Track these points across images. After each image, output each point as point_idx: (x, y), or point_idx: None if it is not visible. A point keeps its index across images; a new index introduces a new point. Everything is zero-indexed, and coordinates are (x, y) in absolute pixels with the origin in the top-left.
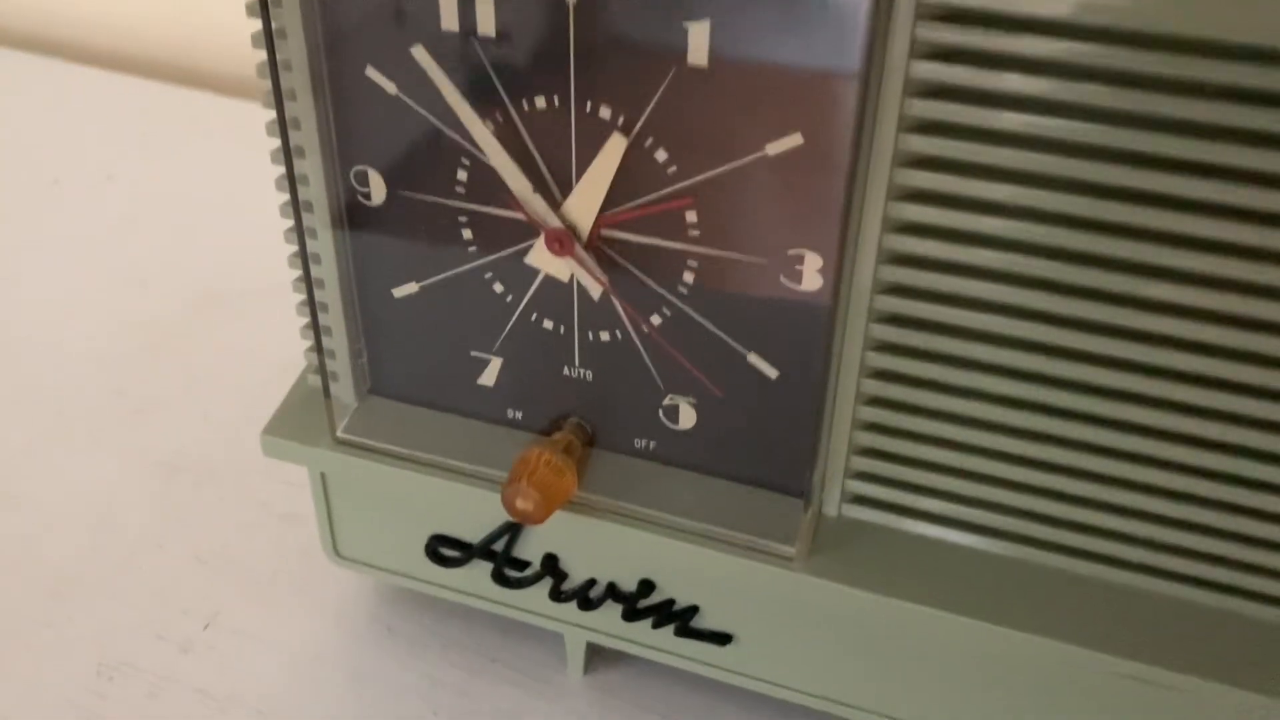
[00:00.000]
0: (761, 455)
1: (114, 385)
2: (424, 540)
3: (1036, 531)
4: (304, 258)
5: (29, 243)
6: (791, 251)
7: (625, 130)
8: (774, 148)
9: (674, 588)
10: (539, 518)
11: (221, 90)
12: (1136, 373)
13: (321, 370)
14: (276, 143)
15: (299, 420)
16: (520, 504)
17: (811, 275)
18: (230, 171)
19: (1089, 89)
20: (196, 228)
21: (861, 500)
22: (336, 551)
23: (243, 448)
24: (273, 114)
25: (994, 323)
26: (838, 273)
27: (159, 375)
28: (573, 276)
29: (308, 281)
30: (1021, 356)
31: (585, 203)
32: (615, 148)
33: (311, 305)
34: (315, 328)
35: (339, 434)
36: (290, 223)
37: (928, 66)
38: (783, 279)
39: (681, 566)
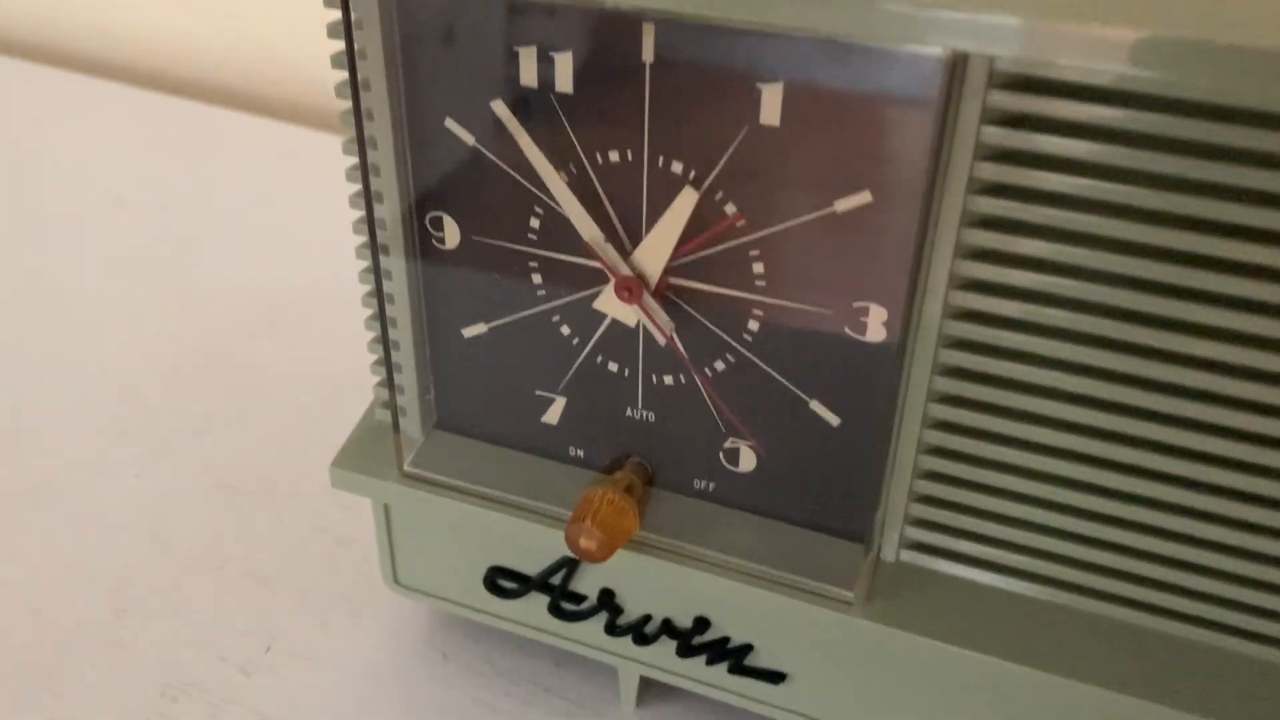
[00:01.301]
0: (820, 500)
1: (174, 403)
2: (482, 571)
3: (1095, 583)
4: (379, 297)
5: (91, 261)
6: (857, 304)
7: (696, 184)
8: (843, 205)
9: (729, 625)
10: (601, 556)
11: (279, 116)
12: (1198, 430)
13: (392, 406)
14: (346, 166)
15: (366, 453)
16: (584, 543)
17: (876, 327)
18: (288, 196)
19: (1153, 157)
20: (253, 250)
21: (919, 546)
22: (396, 580)
23: (299, 468)
24: (353, 159)
25: (1056, 378)
26: (903, 326)
27: (217, 394)
28: (639, 322)
29: (382, 320)
30: (1083, 411)
31: (655, 252)
32: (686, 202)
33: (385, 343)
34: (387, 365)
35: (406, 468)
36: (365, 263)
37: (998, 132)
38: (847, 330)
39: (738, 606)
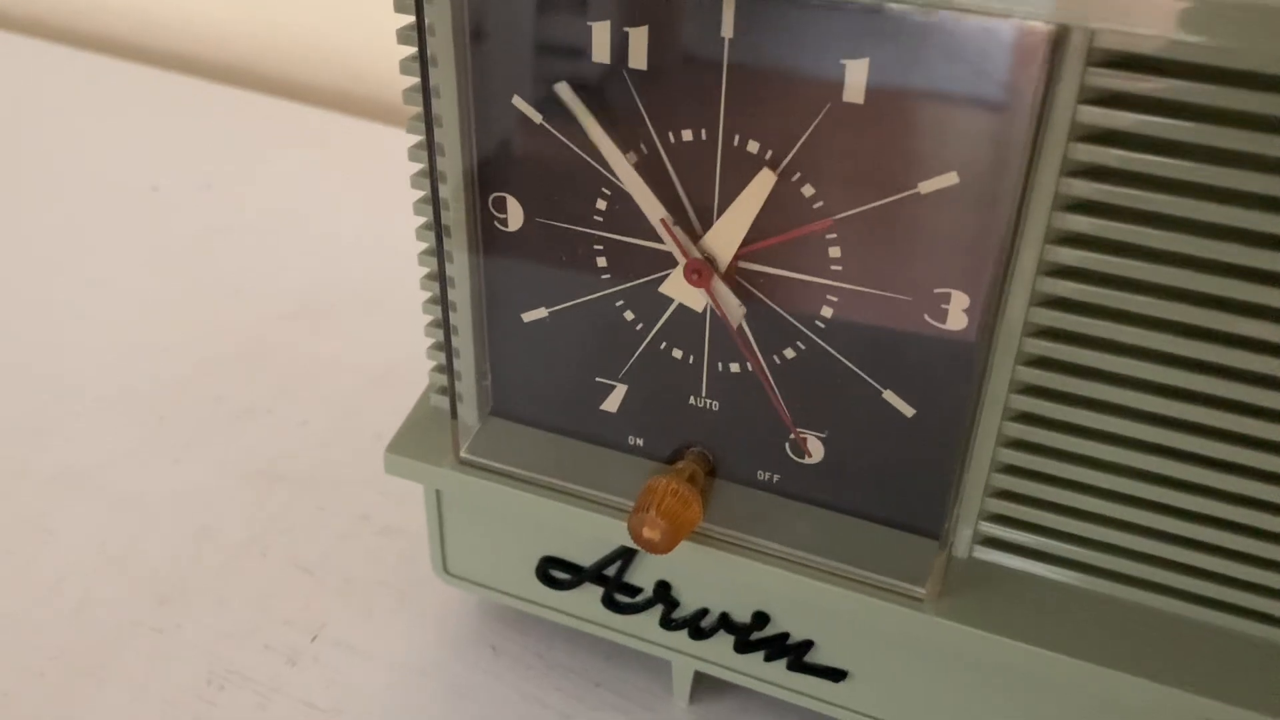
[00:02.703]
0: (890, 493)
1: (213, 392)
2: (534, 562)
3: (1174, 581)
4: (441, 281)
5: (129, 248)
6: (938, 290)
7: (773, 164)
8: (927, 186)
9: (789, 621)
10: (665, 547)
11: (320, 103)
12: None
13: (450, 391)
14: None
15: (421, 439)
16: (648, 533)
17: (957, 315)
18: (324, 183)
19: (1257, 138)
20: (290, 238)
21: (994, 542)
22: (446, 569)
23: (341, 457)
24: (418, 137)
25: (1145, 369)
26: (987, 313)
27: (255, 383)
28: (706, 306)
29: (444, 304)
30: (1170, 404)
31: (727, 235)
32: (764, 183)
33: (445, 328)
34: (447, 350)
35: (463, 454)
36: (425, 245)
37: (1096, 111)
38: (926, 317)
39: (800, 601)
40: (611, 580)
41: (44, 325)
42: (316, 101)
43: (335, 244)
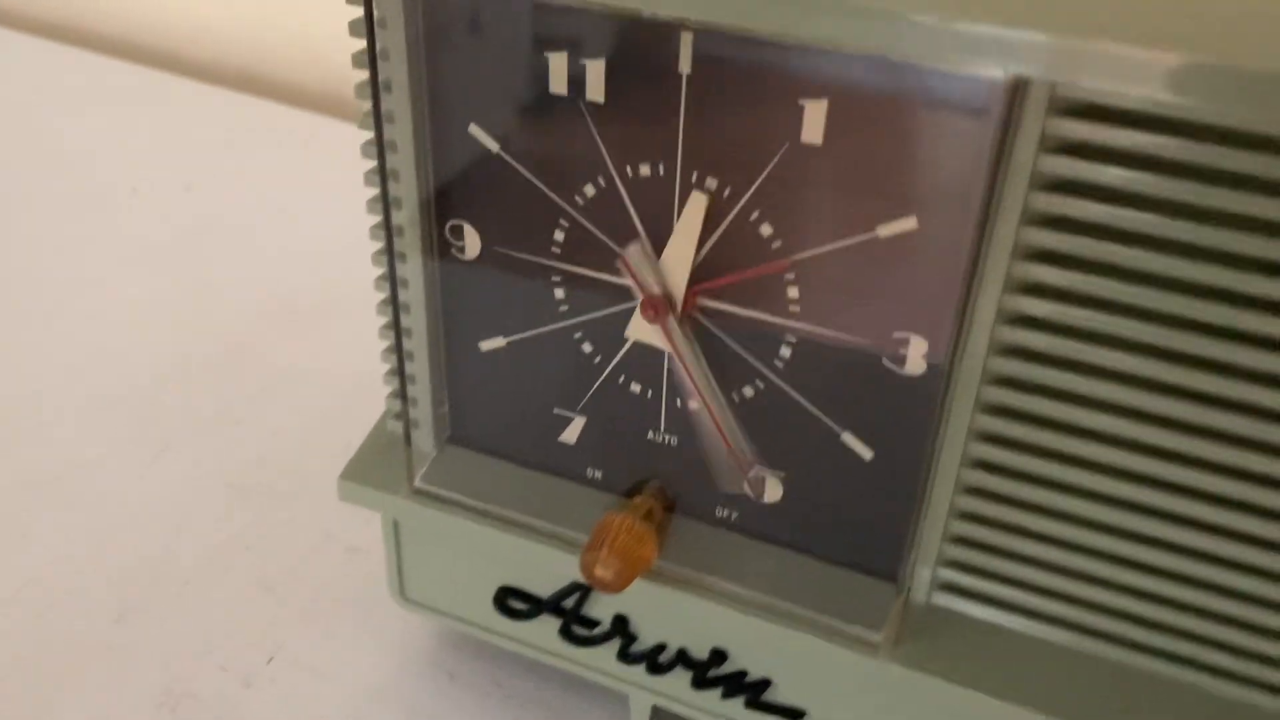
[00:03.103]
0: (849, 535)
1: (186, 397)
2: (493, 590)
3: (1131, 633)
4: (394, 306)
5: (107, 250)
6: (897, 334)
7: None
8: (885, 230)
9: (747, 659)
10: (618, 586)
11: (300, 104)
12: (1250, 481)
13: (404, 419)
14: (366, 164)
15: (376, 466)
16: (599, 572)
17: (916, 359)
18: (305, 186)
19: (1221, 194)
20: (270, 241)
21: (952, 588)
22: (403, 594)
23: (312, 470)
24: (371, 162)
25: (1105, 421)
26: (946, 359)
27: (230, 388)
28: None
29: (396, 330)
30: (1130, 457)
31: (676, 265)
32: (697, 206)
33: (399, 353)
34: (400, 376)
35: (417, 484)
36: (381, 269)
37: (1057, 160)
38: (885, 361)
39: (758, 641)
40: (569, 612)
41: (21, 326)
42: (301, 103)
43: (315, 249)
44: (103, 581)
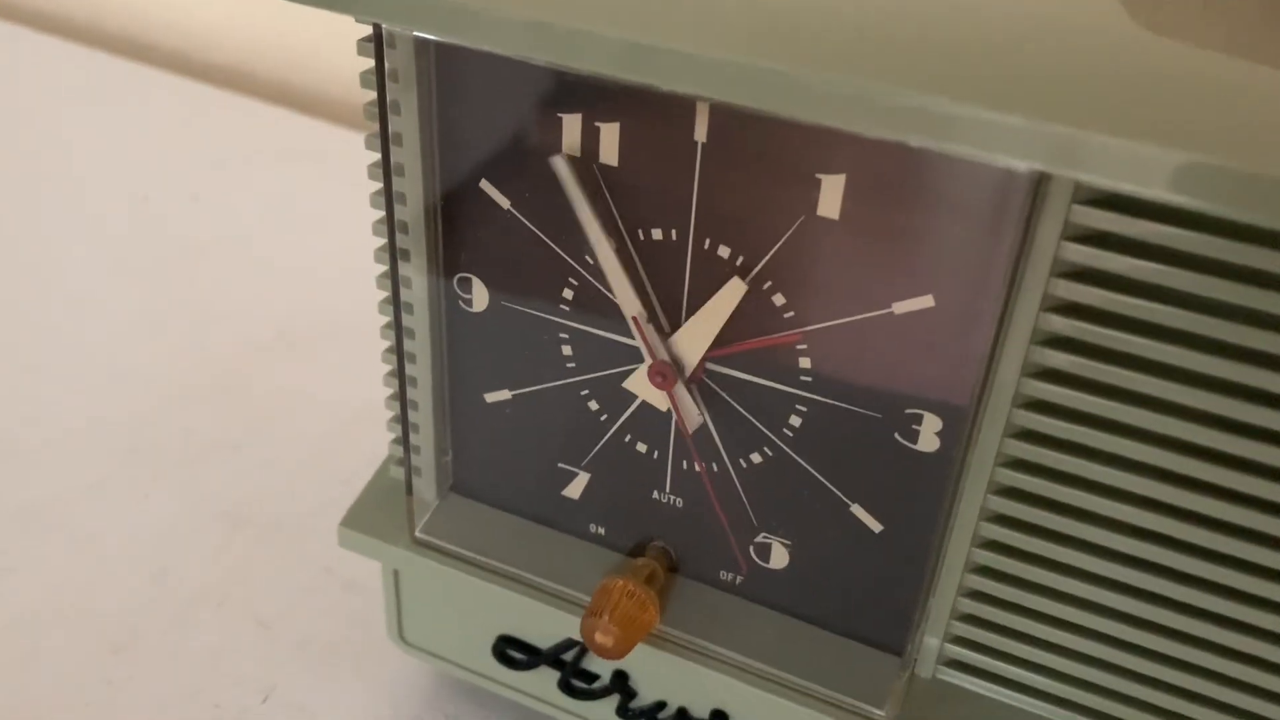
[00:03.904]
0: (855, 607)
1: (183, 423)
2: (492, 639)
3: (1138, 719)
4: (399, 354)
5: (113, 265)
6: (909, 410)
7: (744, 272)
8: (901, 307)
9: None
10: (618, 653)
11: (318, 114)
12: (1257, 575)
13: (406, 468)
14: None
15: (377, 513)
16: (600, 638)
17: (929, 437)
18: (317, 201)
19: (1246, 291)
20: (277, 260)
21: (958, 665)
22: (401, 637)
23: (310, 502)
24: (380, 213)
25: (1119, 510)
26: (959, 440)
27: (228, 416)
28: (669, 406)
29: (400, 378)
30: (1143, 546)
31: (694, 340)
32: (734, 292)
33: (402, 402)
34: (404, 424)
35: (418, 534)
36: (388, 318)
37: (1080, 249)
38: (897, 436)
39: (759, 708)
40: (568, 665)
41: (15, 346)
42: (321, 113)
43: (321, 269)
44: (96, 615)
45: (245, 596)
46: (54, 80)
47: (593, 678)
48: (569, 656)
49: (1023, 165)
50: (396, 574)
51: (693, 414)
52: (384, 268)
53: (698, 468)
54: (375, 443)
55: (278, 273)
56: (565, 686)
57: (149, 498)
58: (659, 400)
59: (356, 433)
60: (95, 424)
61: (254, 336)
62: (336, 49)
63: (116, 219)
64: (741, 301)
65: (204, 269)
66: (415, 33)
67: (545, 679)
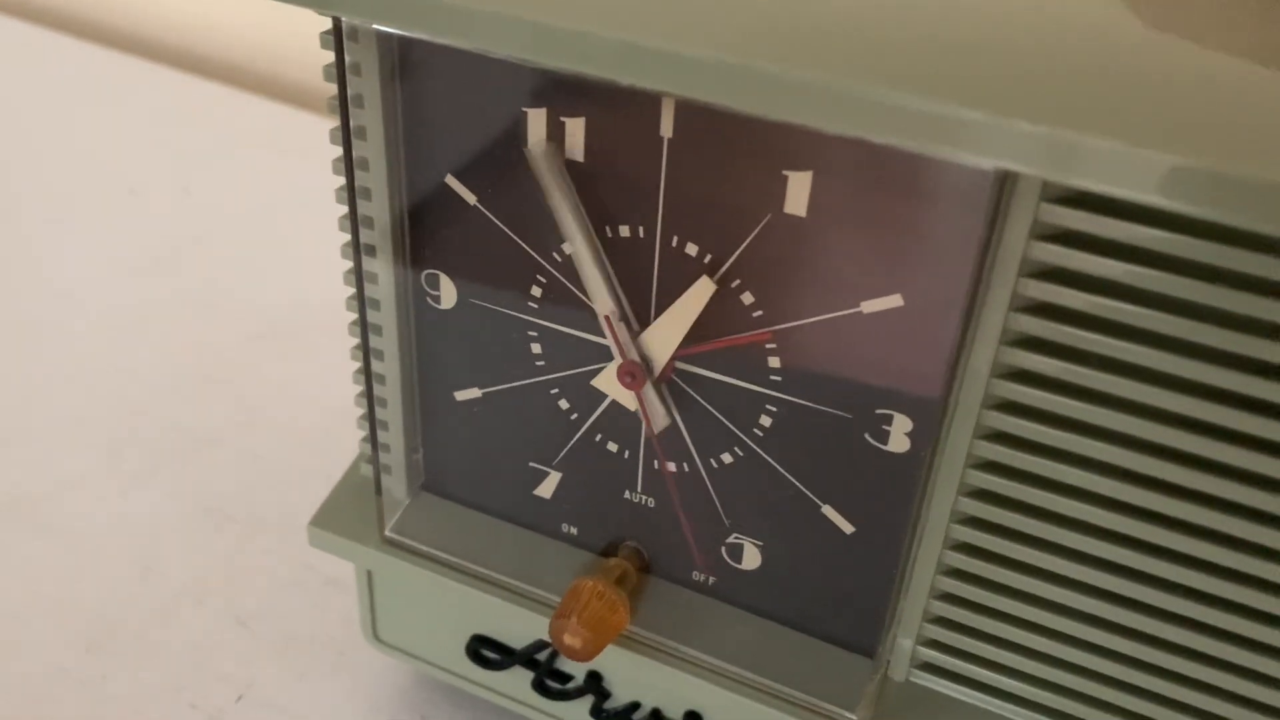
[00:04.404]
0: (827, 608)
1: (170, 417)
2: (465, 638)
3: None
4: (365, 353)
5: (99, 258)
6: (880, 410)
7: (711, 270)
8: (870, 306)
9: None
10: (587, 655)
11: (307, 107)
12: (1233, 579)
13: (375, 467)
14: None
15: (348, 512)
16: (569, 640)
17: (899, 437)
18: (306, 194)
19: (1213, 290)
20: (267, 253)
21: (931, 668)
22: (376, 635)
23: (294, 498)
24: (343, 209)
25: (1090, 512)
26: (930, 440)
27: (216, 409)
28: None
29: (367, 376)
30: (1114, 549)
31: (664, 339)
32: (703, 290)
33: (370, 400)
34: (371, 423)
35: (387, 533)
36: (355, 315)
37: (1048, 249)
38: (867, 437)
39: (732, 710)
40: (542, 665)
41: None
42: (306, 105)
43: (317, 264)
44: (75, 612)
45: (225, 593)
46: (41, 72)
47: (566, 678)
48: (542, 657)
49: (987, 164)
50: (369, 573)
51: (659, 415)
52: (351, 264)
53: (670, 468)
54: (360, 439)
55: (266, 266)
56: (539, 687)
57: (131, 493)
58: (628, 400)
59: (344, 427)
60: (79, 417)
61: (241, 330)
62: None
63: (104, 212)
64: (710, 300)
65: (192, 262)
66: (375, 26)
67: (520, 679)
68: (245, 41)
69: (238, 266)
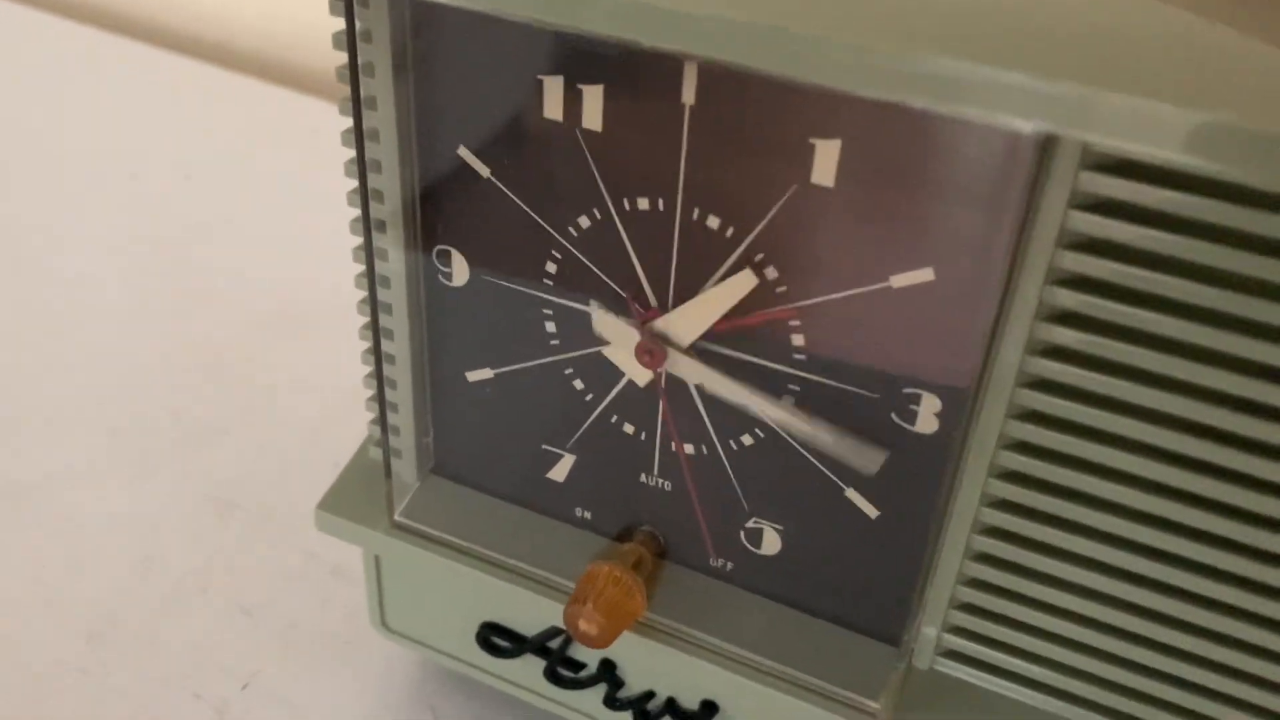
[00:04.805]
0: (850, 595)
1: (171, 406)
2: (475, 626)
3: (1142, 713)
4: (375, 333)
5: (101, 243)
6: (907, 390)
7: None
8: (900, 280)
9: (739, 713)
10: (603, 642)
11: (311, 91)
12: (1266, 562)
13: (384, 450)
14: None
15: (357, 496)
16: (584, 626)
17: (928, 418)
18: (311, 180)
19: (1261, 261)
20: (270, 238)
21: (957, 656)
22: (384, 624)
23: (300, 486)
24: (353, 183)
25: (1126, 495)
26: (960, 421)
27: (218, 398)
28: (652, 382)
29: (377, 357)
30: (1149, 532)
31: (690, 323)
32: (742, 283)
33: (379, 381)
34: (381, 404)
35: (397, 517)
36: (364, 292)
37: (1087, 219)
38: (894, 417)
39: (751, 699)
40: (554, 653)
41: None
42: (310, 89)
43: (317, 248)
44: (75, 602)
45: (229, 583)
46: (41, 55)
47: (579, 666)
48: (555, 644)
49: (1028, 126)
50: (377, 559)
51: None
52: (360, 240)
53: (688, 449)
54: (366, 428)
55: (269, 252)
56: (551, 675)
57: (134, 482)
58: (640, 375)
59: (350, 416)
60: (81, 405)
61: (246, 317)
62: (333, 24)
63: (106, 197)
64: (731, 274)
65: (195, 248)
66: None
67: (531, 667)
68: (247, 25)
69: (240, 252)
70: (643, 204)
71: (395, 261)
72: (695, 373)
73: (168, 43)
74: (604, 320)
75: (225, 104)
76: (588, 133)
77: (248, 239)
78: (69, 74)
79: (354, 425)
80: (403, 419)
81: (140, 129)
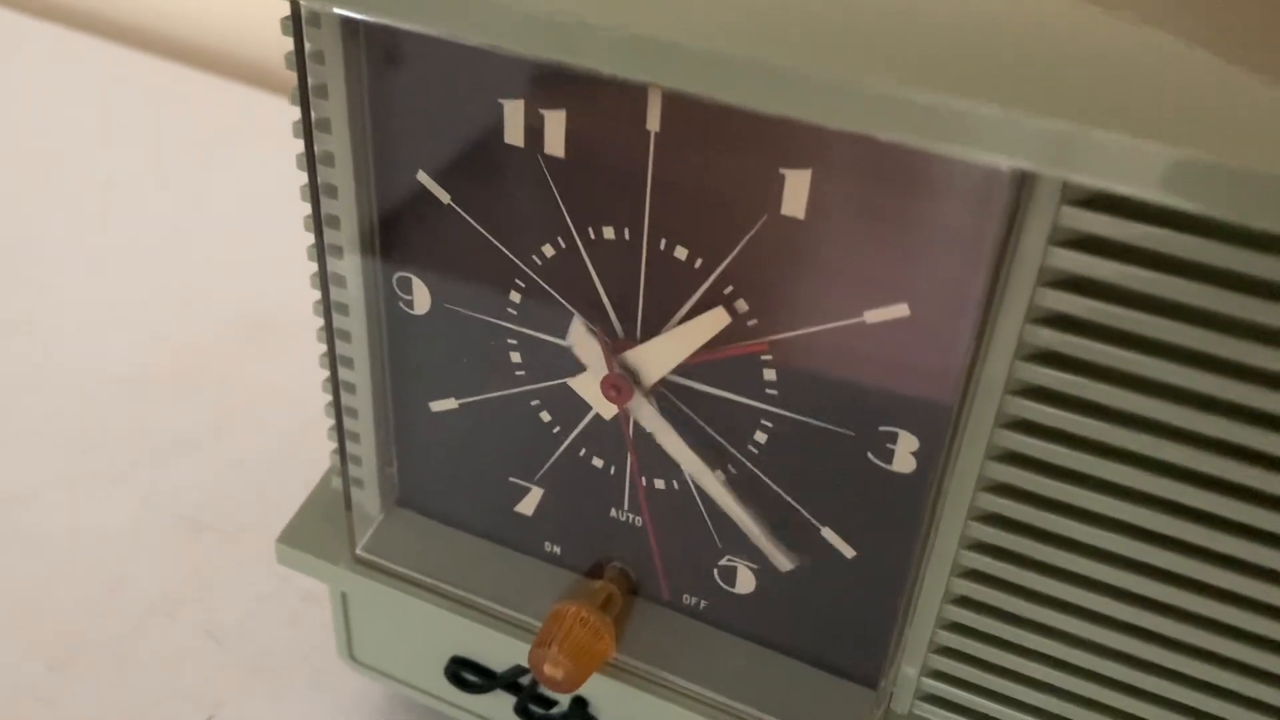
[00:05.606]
0: (826, 636)
1: (144, 419)
2: (444, 660)
3: None
4: (332, 360)
5: (75, 252)
6: (884, 428)
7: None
8: (874, 316)
9: None
10: (569, 686)
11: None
12: (1262, 614)
13: (344, 482)
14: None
15: (318, 529)
16: (549, 670)
17: (904, 457)
18: (290, 186)
19: (1248, 302)
20: (247, 247)
21: (936, 700)
22: (352, 656)
23: (271, 506)
24: (306, 210)
25: (1110, 540)
26: (938, 460)
27: (191, 411)
28: (618, 415)
29: (334, 385)
30: (1132, 578)
31: (660, 358)
32: (714, 320)
33: (338, 410)
34: (340, 434)
35: (359, 551)
36: (321, 321)
37: (1068, 255)
38: (870, 456)
39: None
40: (525, 690)
41: None
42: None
43: (291, 257)
44: (39, 626)
45: (197, 607)
46: (15, 58)
47: (551, 703)
48: (525, 681)
49: (1005, 163)
50: (343, 593)
51: (653, 423)
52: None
53: (659, 485)
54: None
55: (246, 262)
56: (522, 712)
57: (104, 499)
58: (605, 409)
59: (324, 431)
60: (50, 419)
61: (220, 329)
62: None
63: (80, 205)
64: (700, 307)
65: (170, 257)
66: (336, 11)
67: (502, 702)
68: (224, 26)
69: (216, 262)
70: (608, 233)
71: (354, 288)
72: (652, 422)
73: (142, 44)
74: (581, 345)
75: (203, 107)
76: (550, 159)
77: (223, 248)
78: (43, 77)
79: (326, 441)
80: (364, 449)
81: (116, 135)
